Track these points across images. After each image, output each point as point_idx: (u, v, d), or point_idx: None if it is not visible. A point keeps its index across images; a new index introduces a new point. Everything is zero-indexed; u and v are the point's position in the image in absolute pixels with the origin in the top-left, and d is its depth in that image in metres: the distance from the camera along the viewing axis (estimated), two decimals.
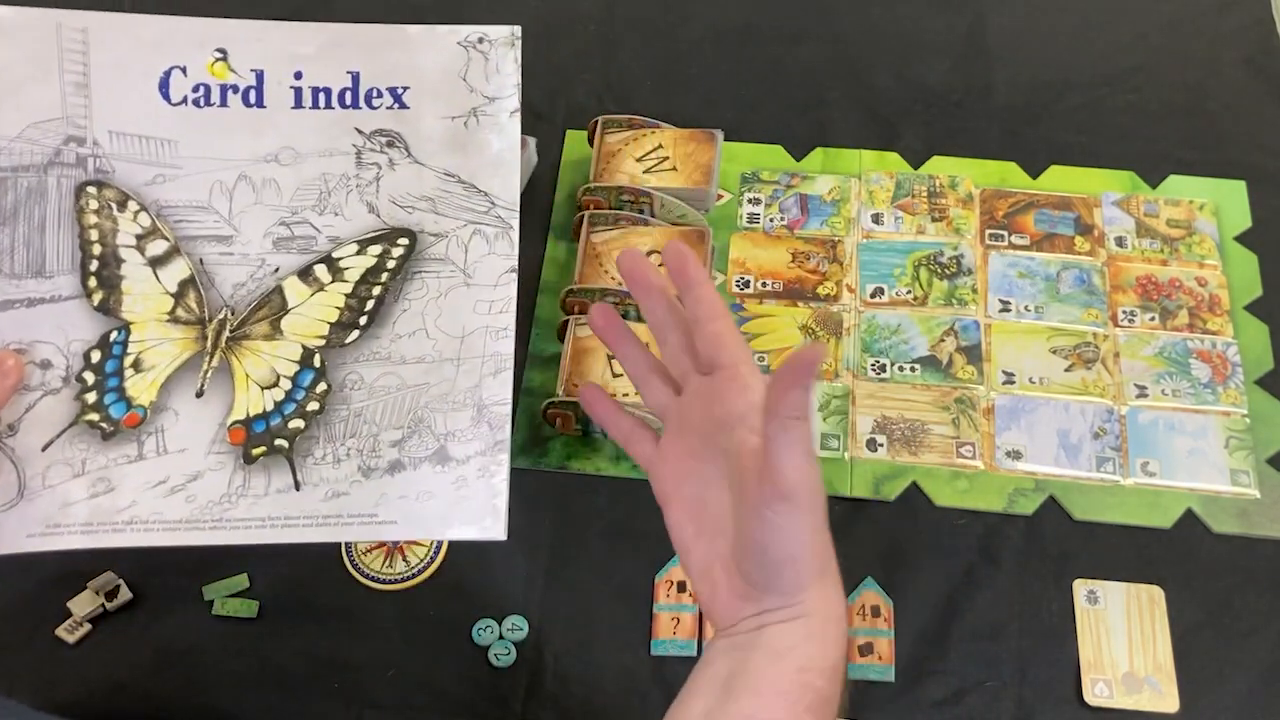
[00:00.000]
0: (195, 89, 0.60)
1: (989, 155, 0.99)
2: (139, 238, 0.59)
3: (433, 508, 0.58)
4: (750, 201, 0.97)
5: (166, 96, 0.60)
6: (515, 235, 0.60)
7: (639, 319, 0.87)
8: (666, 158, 0.94)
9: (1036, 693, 0.76)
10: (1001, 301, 0.91)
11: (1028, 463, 0.84)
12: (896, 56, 1.06)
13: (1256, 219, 0.95)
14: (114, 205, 0.59)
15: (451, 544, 0.82)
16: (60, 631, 0.79)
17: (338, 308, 0.60)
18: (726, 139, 0.97)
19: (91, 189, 0.59)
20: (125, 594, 0.80)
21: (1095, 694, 0.75)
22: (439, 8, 1.10)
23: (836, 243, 0.95)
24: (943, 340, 0.89)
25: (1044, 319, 0.90)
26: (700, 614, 0.79)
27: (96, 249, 0.59)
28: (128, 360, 0.59)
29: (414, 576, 0.81)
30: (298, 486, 0.58)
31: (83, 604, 0.79)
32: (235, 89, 0.60)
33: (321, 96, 0.60)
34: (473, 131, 0.61)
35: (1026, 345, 0.89)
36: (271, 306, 0.59)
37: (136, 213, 0.59)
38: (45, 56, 0.59)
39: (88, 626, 0.79)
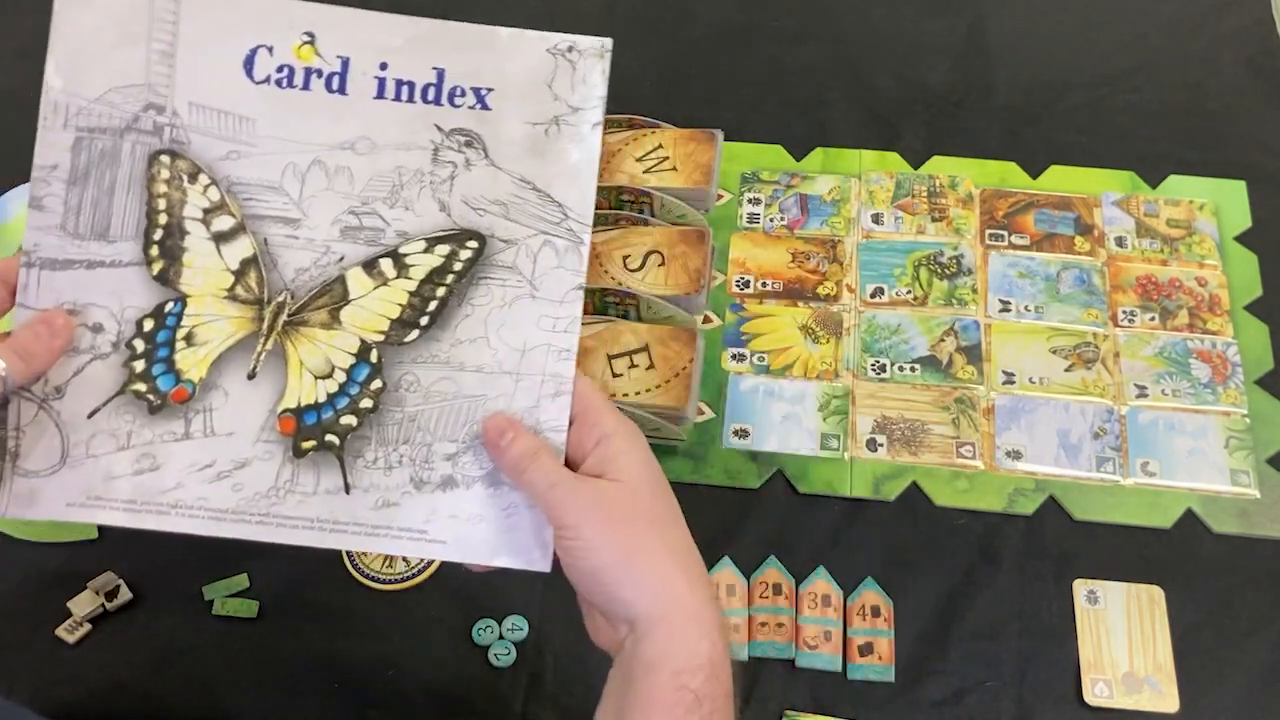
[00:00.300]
0: (279, 69, 0.59)
1: (989, 155, 0.99)
2: (206, 212, 0.59)
3: (481, 532, 0.57)
4: (750, 201, 0.97)
5: (250, 74, 0.59)
6: (586, 251, 0.59)
7: (639, 318, 0.87)
8: (666, 158, 0.94)
9: (1036, 693, 0.76)
10: (1001, 301, 0.91)
11: (1028, 463, 0.84)
12: (896, 56, 1.06)
13: (1256, 219, 0.95)
14: (185, 177, 0.59)
15: None
16: (60, 631, 0.79)
17: (399, 304, 0.59)
18: (726, 139, 0.97)
19: (165, 158, 0.59)
20: (125, 594, 0.80)
21: (1095, 694, 0.75)
22: (438, 8, 1.10)
23: (836, 243, 0.95)
24: (943, 340, 0.89)
25: (1044, 319, 0.90)
26: None
27: (162, 219, 0.59)
28: (180, 333, 0.58)
29: (414, 576, 0.81)
30: (347, 489, 0.57)
31: (83, 604, 0.79)
32: (319, 73, 0.59)
33: (405, 90, 0.60)
34: (553, 139, 0.60)
35: (1026, 345, 0.89)
36: (332, 295, 0.59)
37: (206, 186, 0.59)
38: (135, 22, 0.58)
39: (88, 626, 0.79)
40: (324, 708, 0.76)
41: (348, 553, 0.82)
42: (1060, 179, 0.98)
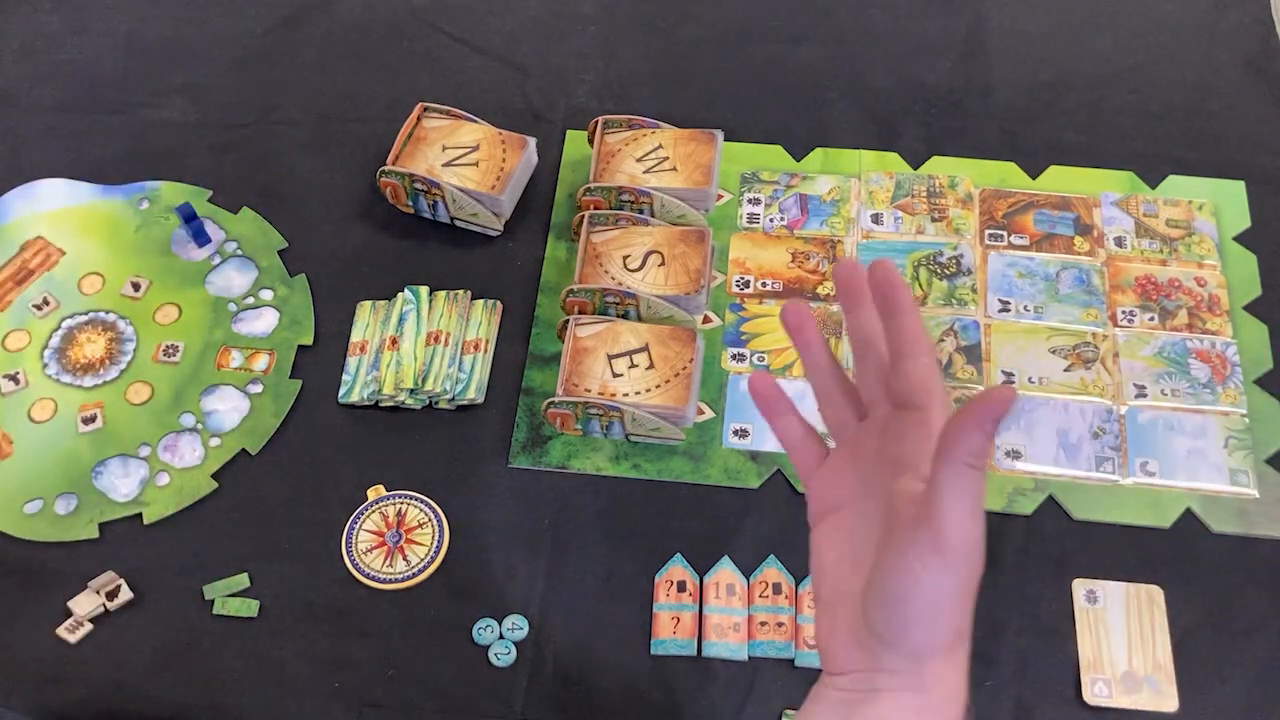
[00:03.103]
0: None
1: (989, 155, 0.99)
2: None
3: None
4: (750, 201, 0.97)
5: None
6: None
7: (639, 318, 0.87)
8: (666, 158, 0.94)
9: (1036, 693, 0.76)
10: (1001, 301, 0.91)
11: (1027, 462, 0.84)
12: (896, 56, 1.06)
13: (1256, 219, 0.95)
14: None
15: (451, 543, 0.82)
16: (60, 631, 0.79)
17: None
18: (726, 139, 0.97)
19: None
20: (126, 594, 0.80)
21: (1095, 694, 0.76)
22: (438, 8, 1.11)
23: (836, 243, 0.95)
24: (942, 340, 0.90)
25: (1043, 319, 0.90)
26: (700, 613, 0.79)
27: None
28: None
29: (414, 576, 0.81)
30: None
31: (83, 604, 0.79)
32: None
33: None
34: None
35: (1026, 345, 0.89)
36: None
37: None
38: None
39: (88, 626, 0.79)
40: (324, 708, 0.77)
41: (348, 553, 0.82)
42: (1059, 179, 0.98)
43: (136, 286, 0.94)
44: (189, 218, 0.95)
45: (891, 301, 0.51)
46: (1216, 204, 0.96)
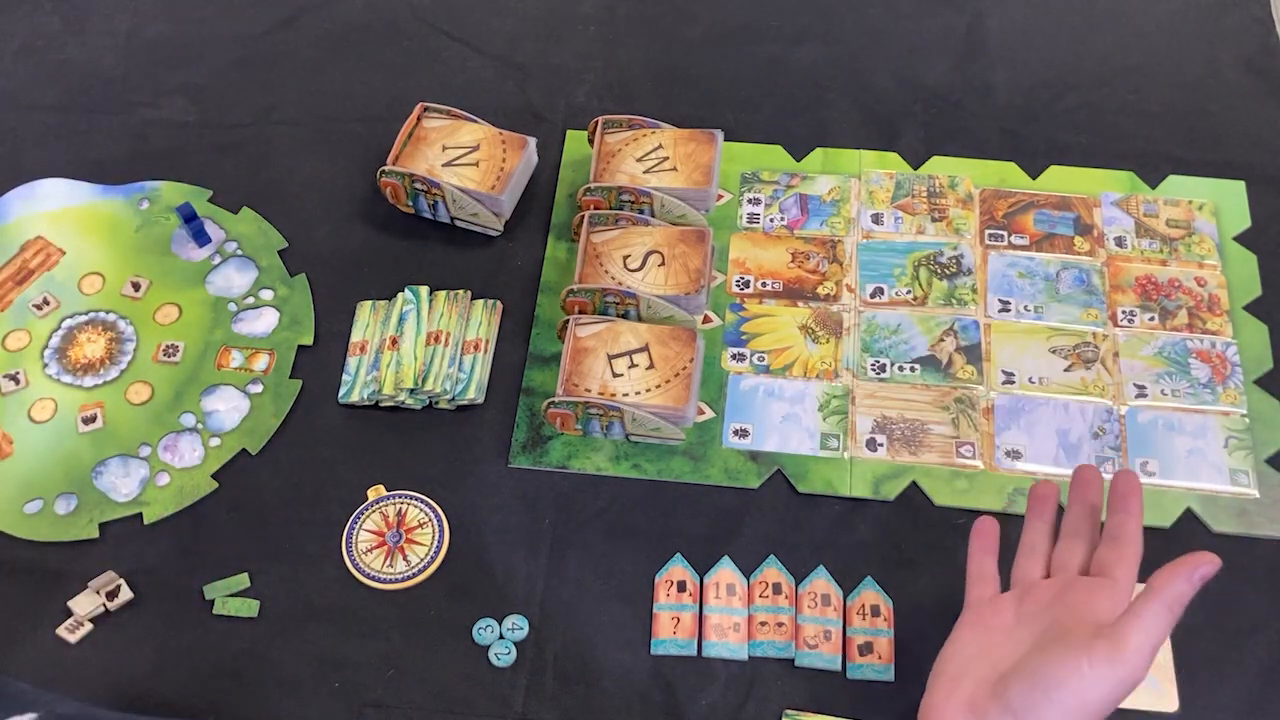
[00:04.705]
0: None
1: (989, 155, 0.99)
2: None
3: None
4: (750, 201, 0.97)
5: None
6: None
7: (639, 318, 0.87)
8: (666, 158, 0.94)
9: None
10: (1001, 301, 0.91)
11: (1027, 462, 0.84)
12: (896, 56, 1.06)
13: (1256, 219, 0.95)
14: None
15: (452, 543, 0.82)
16: (60, 631, 0.79)
17: None
18: (726, 139, 0.97)
19: None
20: (126, 594, 0.80)
21: None
22: (438, 8, 1.11)
23: (836, 243, 0.95)
24: (942, 340, 0.90)
25: (1043, 319, 0.90)
26: (700, 613, 0.79)
27: None
28: None
29: (414, 576, 0.81)
30: None
31: (83, 604, 0.79)
32: None
33: None
34: None
35: (1026, 345, 0.89)
36: None
37: None
38: None
39: (88, 626, 0.79)
40: (324, 708, 0.77)
41: (348, 553, 0.82)
42: (1059, 179, 0.98)
43: (136, 286, 0.94)
44: (189, 218, 0.95)
45: (1128, 502, 0.68)
46: (1216, 204, 0.96)
